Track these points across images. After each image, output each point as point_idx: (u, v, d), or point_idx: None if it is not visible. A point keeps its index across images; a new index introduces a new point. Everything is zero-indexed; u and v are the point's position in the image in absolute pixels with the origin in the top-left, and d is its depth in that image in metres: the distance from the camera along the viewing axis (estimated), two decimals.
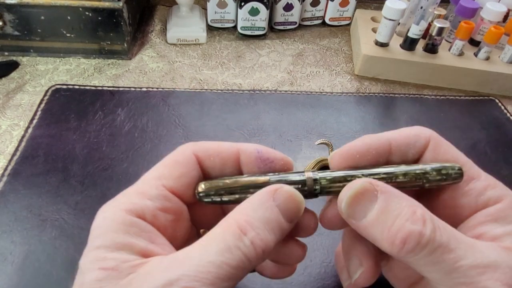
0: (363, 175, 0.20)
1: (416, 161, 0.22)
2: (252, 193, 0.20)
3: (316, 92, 0.48)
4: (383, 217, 0.18)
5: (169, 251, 0.19)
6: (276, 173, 0.21)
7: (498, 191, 0.21)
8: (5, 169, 0.35)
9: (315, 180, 0.20)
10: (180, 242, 0.21)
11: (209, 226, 0.22)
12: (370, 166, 0.21)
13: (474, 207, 0.21)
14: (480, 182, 0.21)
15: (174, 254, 0.17)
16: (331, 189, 0.21)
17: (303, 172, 0.21)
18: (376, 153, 0.21)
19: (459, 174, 0.21)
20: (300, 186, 0.20)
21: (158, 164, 0.21)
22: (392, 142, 0.22)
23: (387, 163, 0.22)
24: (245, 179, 0.21)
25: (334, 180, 0.21)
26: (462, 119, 0.46)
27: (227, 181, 0.21)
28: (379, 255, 0.22)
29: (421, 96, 0.49)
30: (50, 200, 0.33)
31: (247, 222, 0.18)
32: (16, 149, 0.37)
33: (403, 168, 0.21)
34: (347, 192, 0.20)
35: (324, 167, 0.37)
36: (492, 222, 0.20)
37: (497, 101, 0.49)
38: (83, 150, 0.37)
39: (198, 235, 0.23)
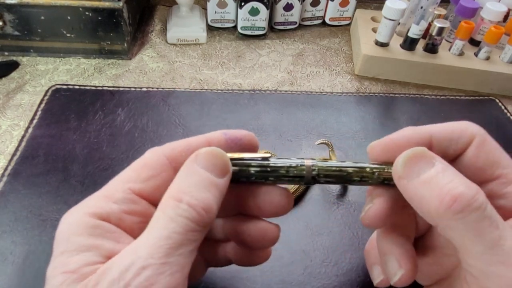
0: (355, 166, 0.21)
1: (457, 157, 0.21)
2: (254, 166, 0.21)
3: (316, 92, 0.48)
4: (438, 178, 0.18)
5: None
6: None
7: None
8: (5, 169, 0.35)
9: (313, 164, 0.21)
10: None
11: None
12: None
13: (510, 211, 0.20)
14: None
15: (129, 245, 0.18)
16: (329, 173, 0.21)
17: (303, 158, 0.22)
18: (416, 146, 0.21)
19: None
20: (299, 165, 0.21)
21: (126, 168, 0.21)
22: (434, 136, 0.21)
23: None
24: (247, 154, 0.21)
25: (330, 166, 0.21)
26: (463, 119, 0.46)
27: (233, 154, 0.21)
28: (416, 256, 0.23)
29: (421, 96, 0.49)
30: (51, 200, 0.33)
31: (180, 191, 0.18)
32: (16, 149, 0.37)
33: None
34: (406, 153, 0.20)
35: None
36: None
37: (497, 101, 0.49)
38: (83, 150, 0.37)
39: None
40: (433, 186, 0.18)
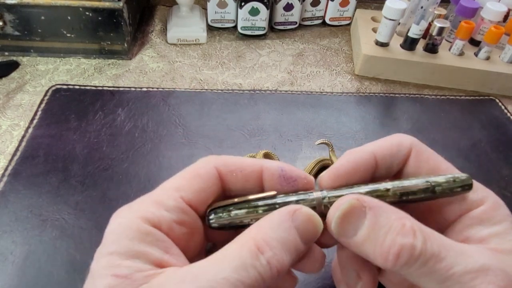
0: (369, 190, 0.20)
1: (400, 171, 0.22)
2: (261, 206, 0.20)
3: (317, 92, 0.48)
4: (374, 234, 0.18)
5: (184, 262, 0.19)
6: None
7: (479, 193, 0.21)
8: (6, 169, 0.35)
9: (323, 198, 0.20)
10: (192, 255, 0.21)
11: (220, 241, 0.22)
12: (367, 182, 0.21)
13: (459, 211, 0.21)
14: None
15: (188, 267, 0.17)
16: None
17: (311, 192, 0.21)
18: (364, 170, 0.21)
19: (469, 186, 0.21)
20: (308, 197, 0.20)
21: (178, 174, 0.21)
22: (377, 154, 0.21)
23: (374, 178, 0.22)
24: (253, 195, 0.21)
25: (341, 193, 0.21)
26: (463, 119, 0.46)
27: (235, 199, 0.21)
28: (376, 266, 0.22)
29: (422, 96, 0.49)
30: (51, 200, 0.33)
31: (265, 241, 0.18)
32: (17, 149, 0.37)
33: (413, 181, 0.20)
34: (335, 212, 0.19)
35: (324, 167, 0.37)
36: (477, 224, 0.20)
37: (497, 101, 0.49)
38: (83, 150, 0.37)
39: (208, 251, 0.23)
40: (372, 243, 0.18)
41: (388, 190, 0.20)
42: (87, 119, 0.40)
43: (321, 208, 0.20)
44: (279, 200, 0.20)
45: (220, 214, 0.20)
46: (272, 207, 0.20)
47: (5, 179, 0.34)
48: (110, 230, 0.18)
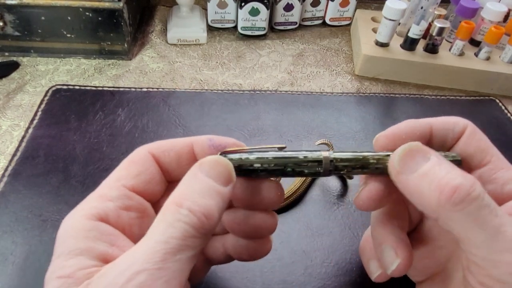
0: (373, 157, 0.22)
1: (453, 145, 0.23)
2: (271, 159, 0.21)
3: (317, 92, 0.48)
4: (435, 171, 0.19)
5: None
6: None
7: None
8: (6, 170, 0.35)
9: (329, 155, 0.21)
10: None
11: None
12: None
13: (500, 194, 0.21)
14: (508, 172, 0.22)
15: (124, 253, 0.17)
16: (345, 163, 0.21)
17: (319, 150, 0.22)
18: (420, 135, 0.22)
19: (458, 162, 0.22)
20: (316, 162, 0.21)
21: (116, 168, 0.21)
22: (434, 126, 0.23)
23: (428, 146, 0.22)
24: (263, 145, 0.22)
25: (347, 156, 0.22)
26: None
27: (247, 147, 0.21)
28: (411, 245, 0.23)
29: (422, 96, 0.49)
30: (51, 201, 0.33)
31: (181, 197, 0.18)
32: (17, 150, 0.37)
33: None
34: (402, 148, 0.20)
35: None
36: None
37: (497, 101, 0.49)
38: (83, 151, 0.37)
39: None
40: (431, 179, 0.19)
41: (388, 155, 0.22)
42: (87, 120, 0.40)
43: (328, 167, 0.21)
44: (288, 151, 0.21)
45: (232, 156, 0.21)
46: (279, 156, 0.21)
47: (5, 179, 0.34)
48: (58, 234, 0.19)
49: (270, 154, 0.21)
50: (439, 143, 0.23)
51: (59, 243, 0.18)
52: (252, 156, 0.21)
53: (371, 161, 0.21)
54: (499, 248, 0.17)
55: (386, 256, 0.23)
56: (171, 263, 0.16)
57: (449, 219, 0.19)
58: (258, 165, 0.21)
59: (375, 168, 0.22)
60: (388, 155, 0.21)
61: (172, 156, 0.22)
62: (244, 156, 0.21)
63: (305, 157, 0.21)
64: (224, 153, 0.21)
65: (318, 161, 0.21)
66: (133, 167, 0.21)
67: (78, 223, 0.19)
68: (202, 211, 0.18)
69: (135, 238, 0.20)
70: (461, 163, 0.22)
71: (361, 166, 0.22)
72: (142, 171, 0.21)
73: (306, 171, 0.21)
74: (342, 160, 0.21)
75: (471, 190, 0.18)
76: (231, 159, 0.21)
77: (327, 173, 0.21)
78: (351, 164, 0.21)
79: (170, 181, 0.23)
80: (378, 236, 0.24)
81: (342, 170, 0.22)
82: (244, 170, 0.21)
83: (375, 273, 0.25)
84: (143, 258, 0.16)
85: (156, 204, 0.22)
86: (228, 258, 0.25)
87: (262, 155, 0.21)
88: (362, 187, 0.23)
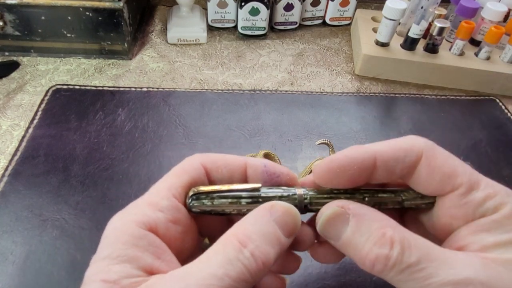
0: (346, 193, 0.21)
1: (405, 176, 0.21)
2: (245, 198, 0.20)
3: (317, 92, 0.48)
4: (354, 240, 0.19)
5: (174, 268, 0.19)
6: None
7: (497, 200, 0.20)
8: (6, 169, 0.35)
9: (305, 194, 0.21)
10: (188, 254, 0.21)
11: (213, 236, 0.22)
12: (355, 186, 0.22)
13: (471, 219, 0.20)
14: (478, 193, 0.20)
15: (174, 271, 0.17)
16: (320, 201, 0.21)
17: (293, 187, 0.21)
18: (358, 168, 0.21)
19: (432, 203, 0.22)
20: (291, 194, 0.21)
21: (167, 174, 0.21)
22: (378, 156, 0.20)
23: (371, 177, 0.21)
24: (238, 185, 0.21)
25: (322, 193, 0.21)
26: (463, 119, 0.46)
27: (219, 187, 0.21)
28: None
29: (422, 96, 0.49)
30: (51, 200, 0.33)
31: (246, 236, 0.18)
32: (17, 149, 0.37)
33: (386, 194, 0.22)
34: (320, 216, 0.20)
35: None
36: (484, 232, 0.19)
37: (497, 101, 0.49)
38: (83, 150, 0.37)
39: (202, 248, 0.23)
40: (353, 249, 0.19)
41: (364, 199, 0.21)
42: (87, 119, 0.40)
43: (302, 205, 0.21)
44: (262, 193, 0.21)
45: (203, 201, 0.20)
46: (255, 200, 0.21)
47: (5, 179, 0.34)
48: (105, 235, 0.18)
49: (244, 199, 0.20)
50: (385, 175, 0.21)
51: (107, 244, 0.18)
52: (224, 201, 0.20)
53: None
54: None
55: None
56: None
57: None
58: (231, 209, 0.21)
59: None
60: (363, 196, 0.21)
61: (224, 173, 0.22)
62: (216, 201, 0.20)
63: (279, 198, 0.21)
64: (195, 194, 0.20)
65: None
66: (185, 177, 0.21)
67: (129, 228, 0.18)
68: (262, 258, 0.18)
69: (176, 251, 0.20)
70: (434, 203, 0.21)
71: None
72: (192, 183, 0.21)
73: None
74: (317, 201, 0.21)
75: (387, 260, 0.18)
76: (202, 204, 0.20)
77: (302, 211, 0.21)
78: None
79: None
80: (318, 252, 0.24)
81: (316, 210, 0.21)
82: (215, 214, 0.21)
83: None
84: (194, 284, 0.16)
85: (199, 218, 0.22)
86: None
87: (236, 200, 0.20)
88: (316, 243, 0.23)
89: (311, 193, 0.21)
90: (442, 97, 0.49)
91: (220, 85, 0.48)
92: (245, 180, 0.22)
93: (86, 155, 0.37)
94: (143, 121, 0.41)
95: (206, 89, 0.46)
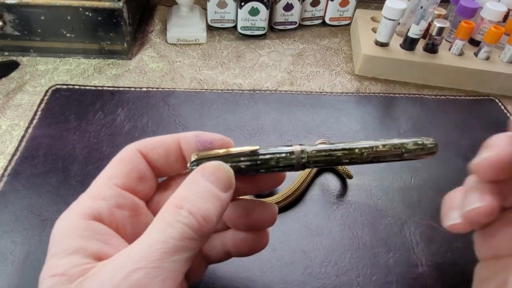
0: (344, 148, 0.21)
1: None
2: (243, 161, 0.21)
3: (316, 92, 0.48)
4: None
5: None
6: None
7: None
8: (5, 169, 0.35)
9: (302, 151, 0.21)
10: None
11: None
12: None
13: None
14: None
15: (121, 251, 0.17)
16: (318, 159, 0.21)
17: (291, 144, 0.22)
18: None
19: (434, 145, 0.21)
20: (288, 154, 0.21)
21: (106, 167, 0.22)
22: None
23: None
24: (236, 148, 0.21)
25: (319, 150, 0.21)
26: (462, 119, 0.46)
27: (219, 151, 0.21)
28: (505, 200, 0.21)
29: (421, 96, 0.49)
30: (51, 200, 0.33)
31: (182, 199, 0.18)
32: (16, 149, 0.37)
33: (381, 141, 0.21)
34: None
35: (324, 168, 0.37)
36: None
37: (497, 101, 0.49)
38: (83, 150, 0.37)
39: None
40: None
41: (362, 153, 0.21)
42: (87, 119, 0.40)
43: (300, 162, 0.21)
44: (260, 156, 0.21)
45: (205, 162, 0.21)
46: (253, 162, 0.21)
47: (5, 179, 0.34)
48: (52, 235, 0.19)
49: (243, 162, 0.21)
50: None
51: (53, 242, 0.18)
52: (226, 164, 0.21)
53: (344, 160, 0.21)
54: None
55: (469, 198, 0.20)
56: (168, 263, 0.17)
57: None
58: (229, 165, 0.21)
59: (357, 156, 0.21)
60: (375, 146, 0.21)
61: (160, 153, 0.22)
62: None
63: (277, 162, 0.21)
64: (196, 160, 0.21)
65: (291, 166, 0.21)
66: (123, 165, 0.21)
67: (72, 222, 0.19)
68: (201, 214, 0.18)
69: (128, 237, 0.20)
70: (436, 148, 0.21)
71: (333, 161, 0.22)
72: (132, 169, 0.21)
73: (277, 169, 0.22)
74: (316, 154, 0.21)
75: None
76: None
77: (300, 168, 0.22)
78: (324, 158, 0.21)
79: (159, 177, 0.23)
80: (471, 183, 0.21)
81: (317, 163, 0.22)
82: None
83: (451, 220, 0.22)
84: (140, 256, 0.16)
85: (149, 201, 0.23)
86: (226, 256, 0.25)
87: (235, 164, 0.21)
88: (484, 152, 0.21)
89: (308, 149, 0.21)
90: (442, 97, 0.49)
91: (220, 85, 0.48)
92: (182, 155, 0.22)
93: (86, 155, 0.37)
94: (143, 121, 0.41)
95: (206, 89, 0.46)
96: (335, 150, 0.21)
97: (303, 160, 0.21)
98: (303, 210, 0.34)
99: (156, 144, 0.22)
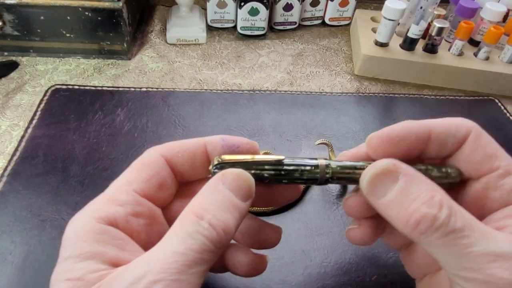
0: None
1: (454, 151, 0.22)
2: (267, 170, 0.20)
3: (316, 92, 0.48)
4: (401, 198, 0.19)
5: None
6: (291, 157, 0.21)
7: None
8: (5, 169, 0.35)
9: (327, 165, 0.21)
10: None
11: None
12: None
13: (506, 201, 0.21)
14: None
15: (138, 258, 0.17)
16: (342, 175, 0.21)
17: (315, 158, 0.21)
18: (415, 138, 0.21)
19: (457, 174, 0.21)
20: (313, 168, 0.21)
21: (127, 170, 0.21)
22: (433, 129, 0.21)
23: (424, 151, 0.22)
24: (261, 156, 0.21)
25: (345, 166, 0.21)
26: None
27: (245, 156, 0.21)
28: (380, 225, 0.23)
29: (421, 96, 0.49)
30: (50, 200, 0.33)
31: (202, 208, 0.18)
32: (16, 149, 0.37)
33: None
34: (370, 170, 0.20)
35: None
36: None
37: (496, 101, 0.49)
38: (82, 150, 0.37)
39: None
40: (397, 207, 0.19)
41: None
42: (87, 119, 0.40)
43: (324, 177, 0.21)
44: (285, 166, 0.21)
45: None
46: (277, 172, 0.21)
47: (4, 179, 0.34)
48: (65, 237, 0.18)
49: (267, 171, 0.21)
50: (437, 148, 0.22)
51: (68, 244, 0.18)
52: (248, 171, 0.21)
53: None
54: (464, 267, 0.18)
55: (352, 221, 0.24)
56: (187, 276, 0.16)
57: (419, 242, 0.19)
58: (252, 172, 0.21)
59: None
60: None
61: (185, 157, 0.22)
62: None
63: (301, 174, 0.21)
64: (220, 164, 0.20)
65: (314, 180, 0.21)
66: (144, 171, 0.21)
67: (88, 225, 0.18)
68: (221, 226, 0.18)
69: (142, 244, 0.20)
70: (459, 177, 0.21)
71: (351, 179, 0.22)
72: (153, 175, 0.21)
73: (299, 182, 0.21)
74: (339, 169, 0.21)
75: (435, 220, 0.18)
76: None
77: (323, 182, 0.21)
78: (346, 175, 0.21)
79: (182, 182, 0.23)
80: (351, 204, 0.24)
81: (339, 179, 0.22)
82: None
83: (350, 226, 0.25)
84: (159, 266, 0.16)
85: (166, 208, 0.22)
86: (222, 269, 0.24)
87: (259, 172, 0.20)
88: (352, 193, 0.23)
89: (333, 165, 0.21)
90: (441, 97, 0.49)
91: (220, 85, 0.48)
92: (208, 159, 0.22)
93: (85, 155, 0.37)
94: (142, 121, 0.41)
95: (206, 89, 0.46)
96: (360, 168, 0.21)
97: (327, 176, 0.21)
98: (303, 210, 0.34)
99: (181, 148, 0.22)
